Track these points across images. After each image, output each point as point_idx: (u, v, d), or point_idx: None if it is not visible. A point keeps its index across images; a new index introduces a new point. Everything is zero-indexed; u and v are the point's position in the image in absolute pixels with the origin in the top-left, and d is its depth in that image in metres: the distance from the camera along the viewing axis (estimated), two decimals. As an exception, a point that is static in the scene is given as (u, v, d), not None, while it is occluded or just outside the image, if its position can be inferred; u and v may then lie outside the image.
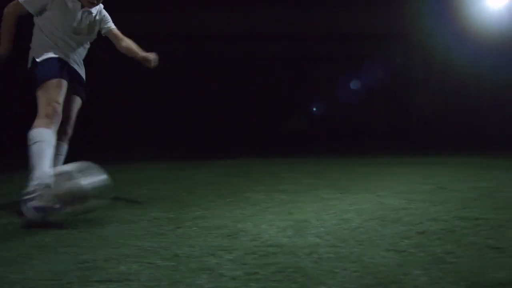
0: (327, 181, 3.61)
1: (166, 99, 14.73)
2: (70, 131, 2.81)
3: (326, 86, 14.60)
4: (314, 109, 16.06)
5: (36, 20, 2.67)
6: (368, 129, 13.70)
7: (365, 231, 2.00)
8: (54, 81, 2.58)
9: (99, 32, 2.83)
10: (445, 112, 10.06)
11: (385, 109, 13.80)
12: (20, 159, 2.90)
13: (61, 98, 2.59)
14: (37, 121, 2.50)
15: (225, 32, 11.46)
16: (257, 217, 2.32)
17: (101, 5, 2.80)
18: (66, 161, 2.64)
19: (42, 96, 2.56)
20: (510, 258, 1.60)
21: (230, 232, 2.01)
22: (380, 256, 1.66)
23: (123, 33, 2.89)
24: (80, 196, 2.13)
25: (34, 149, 2.40)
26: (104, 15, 2.81)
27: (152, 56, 2.83)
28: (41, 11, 2.63)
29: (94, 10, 2.73)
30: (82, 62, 2.85)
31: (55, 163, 2.62)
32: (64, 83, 2.62)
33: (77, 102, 2.84)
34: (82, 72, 2.84)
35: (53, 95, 2.56)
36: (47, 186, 2.18)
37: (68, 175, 2.17)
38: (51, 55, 2.63)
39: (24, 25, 2.74)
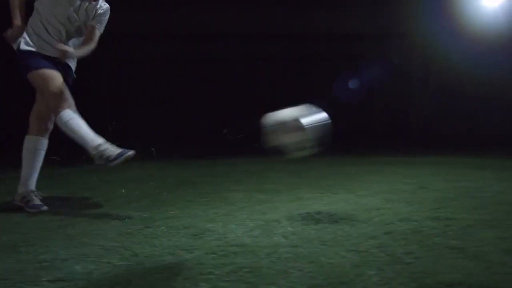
0: (310, 180, 3.60)
1: (166, 99, 14.73)
2: (51, 126, 2.78)
3: (325, 86, 14.58)
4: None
5: (36, 4, 2.67)
6: (367, 129, 13.64)
7: (332, 231, 2.00)
8: (47, 71, 2.61)
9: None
10: (444, 112, 10.01)
11: (384, 109, 13.75)
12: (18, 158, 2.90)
13: (59, 82, 2.63)
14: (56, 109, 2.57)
15: (225, 31, 11.46)
16: (229, 216, 2.32)
17: (106, 6, 2.76)
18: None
19: (39, 85, 2.62)
20: (469, 259, 1.59)
21: (197, 231, 2.02)
22: (339, 256, 1.65)
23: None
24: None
25: (71, 127, 2.53)
26: (101, 14, 2.74)
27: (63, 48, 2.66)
28: None
29: (95, 3, 2.69)
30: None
31: (35, 159, 2.65)
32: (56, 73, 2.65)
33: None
34: (73, 64, 2.80)
35: (49, 82, 2.60)
36: (101, 145, 2.48)
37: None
38: (34, 50, 2.65)
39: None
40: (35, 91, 2.74)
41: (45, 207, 2.54)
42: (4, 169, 3.99)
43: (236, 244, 1.81)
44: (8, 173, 3.80)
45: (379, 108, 14.20)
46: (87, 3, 2.67)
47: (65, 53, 2.63)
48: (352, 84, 14.69)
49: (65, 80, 2.73)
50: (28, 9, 2.75)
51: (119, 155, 2.48)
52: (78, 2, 2.65)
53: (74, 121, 2.59)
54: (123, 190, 3.16)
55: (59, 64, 2.69)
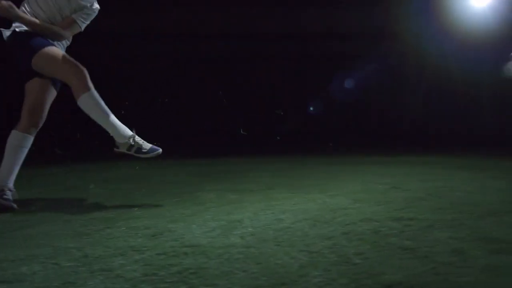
0: (288, 180, 3.60)
1: (166, 99, 14.69)
2: (41, 124, 2.75)
3: (320, 86, 14.58)
4: (311, 108, 16.03)
5: None
6: (361, 129, 13.67)
7: (291, 232, 2.00)
8: (53, 47, 2.58)
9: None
10: (435, 111, 10.02)
11: (378, 109, 13.76)
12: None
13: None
14: (76, 88, 2.53)
15: (225, 31, 11.47)
16: (193, 217, 2.32)
17: (96, 6, 2.73)
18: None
19: (55, 65, 2.55)
20: (417, 260, 1.58)
21: (156, 232, 2.01)
22: (289, 257, 1.65)
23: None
24: None
25: (101, 109, 2.55)
26: (87, 8, 2.69)
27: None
28: None
29: None
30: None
31: (17, 156, 2.63)
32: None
33: (53, 94, 2.77)
34: (62, 46, 2.77)
35: (65, 58, 2.56)
36: (134, 135, 2.62)
37: None
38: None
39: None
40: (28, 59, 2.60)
41: (15, 206, 2.53)
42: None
43: (191, 245, 1.80)
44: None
45: (373, 108, 14.23)
46: None
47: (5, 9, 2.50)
48: (346, 84, 14.70)
49: (53, 80, 2.71)
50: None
51: (152, 149, 2.64)
52: None
53: (103, 105, 2.58)
54: (91, 186, 3.16)
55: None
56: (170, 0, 10.54)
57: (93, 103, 2.56)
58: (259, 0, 10.73)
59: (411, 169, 4.11)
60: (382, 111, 13.24)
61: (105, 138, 2.79)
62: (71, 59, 2.60)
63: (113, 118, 2.62)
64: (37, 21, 2.61)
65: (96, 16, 2.80)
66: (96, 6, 2.75)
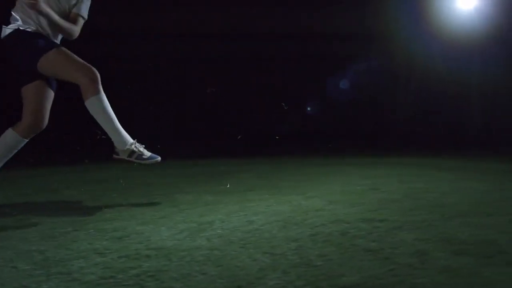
0: (269, 181, 3.58)
1: (166, 98, 14.62)
2: (43, 127, 2.70)
3: (317, 86, 14.57)
4: (309, 108, 16.04)
5: None
6: (351, 130, 13.66)
7: (259, 234, 1.99)
8: (62, 48, 2.56)
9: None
10: (426, 113, 10.04)
11: (368, 110, 13.77)
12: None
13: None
14: (85, 89, 2.51)
15: (225, 31, 11.48)
16: (165, 219, 2.30)
17: None
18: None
19: (64, 66, 2.53)
20: (378, 261, 1.58)
21: (123, 234, 2.00)
22: (251, 259, 1.64)
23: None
24: None
25: (108, 113, 2.55)
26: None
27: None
28: None
29: None
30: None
31: (6, 155, 2.63)
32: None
33: (52, 95, 2.72)
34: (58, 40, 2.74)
35: (75, 58, 2.54)
36: (135, 143, 2.64)
37: None
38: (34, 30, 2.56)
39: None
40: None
41: None
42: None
43: (155, 247, 1.79)
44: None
45: (362, 109, 14.25)
46: None
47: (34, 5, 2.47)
48: (343, 84, 14.68)
49: (49, 82, 2.68)
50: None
51: (152, 157, 2.68)
52: None
53: (110, 110, 2.58)
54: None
55: None
56: (170, 0, 10.55)
57: (101, 106, 2.55)
58: (259, 0, 10.76)
59: (394, 170, 4.11)
60: (372, 112, 13.25)
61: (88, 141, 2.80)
62: (81, 60, 2.58)
63: (117, 124, 2.62)
64: (60, 19, 2.59)
65: (96, 16, 2.83)
66: None
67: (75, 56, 2.59)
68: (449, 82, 8.60)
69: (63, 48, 2.59)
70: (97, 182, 3.74)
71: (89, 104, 2.55)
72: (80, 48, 2.90)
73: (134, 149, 2.65)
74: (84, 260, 1.65)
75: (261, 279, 1.44)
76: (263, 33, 11.65)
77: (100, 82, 2.56)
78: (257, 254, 1.70)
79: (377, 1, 9.41)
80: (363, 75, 13.35)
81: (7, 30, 2.58)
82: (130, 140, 2.66)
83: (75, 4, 2.67)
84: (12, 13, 2.61)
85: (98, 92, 2.53)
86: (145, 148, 2.73)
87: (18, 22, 2.56)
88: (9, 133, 2.63)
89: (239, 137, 8.62)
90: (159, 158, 2.72)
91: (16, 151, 2.66)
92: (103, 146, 3.78)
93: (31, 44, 2.54)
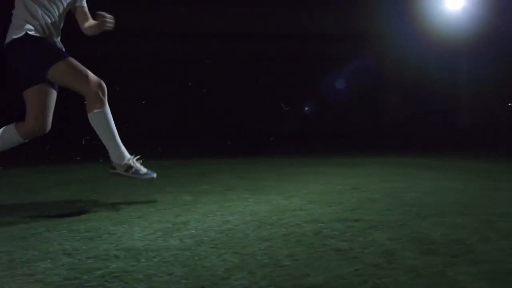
0: (250, 181, 3.58)
1: (165, 99, 14.58)
2: (48, 129, 2.70)
3: (313, 87, 14.58)
4: (306, 108, 16.06)
5: None
6: (344, 130, 13.72)
7: (232, 234, 1.98)
8: (71, 58, 2.58)
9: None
10: (414, 112, 10.10)
11: (359, 110, 13.85)
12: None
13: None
14: (91, 101, 2.55)
15: (225, 31, 11.50)
16: (140, 219, 2.29)
17: None
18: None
19: (74, 77, 2.55)
20: (346, 261, 1.58)
21: (95, 235, 1.98)
22: (220, 259, 1.64)
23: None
24: None
25: (110, 127, 2.59)
26: None
27: (105, 14, 2.68)
28: None
29: None
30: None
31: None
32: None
33: (55, 96, 2.72)
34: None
35: (84, 69, 2.57)
36: (132, 158, 2.69)
37: None
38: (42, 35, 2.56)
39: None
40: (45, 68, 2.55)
41: None
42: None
43: (125, 248, 1.78)
44: None
45: (354, 109, 14.31)
46: None
47: (107, 18, 2.63)
48: (338, 84, 14.72)
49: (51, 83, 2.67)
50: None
51: (148, 173, 2.73)
52: None
53: (112, 124, 2.60)
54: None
55: None
56: (170, 0, 10.55)
57: (104, 120, 2.58)
58: (259, 0, 10.80)
59: (377, 170, 4.13)
60: (362, 112, 13.31)
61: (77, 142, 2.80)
62: (89, 71, 2.61)
63: (117, 138, 2.64)
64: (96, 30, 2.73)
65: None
66: None
67: (83, 67, 2.61)
68: (438, 82, 8.66)
69: (72, 59, 2.60)
70: (80, 182, 3.73)
71: (92, 116, 2.58)
72: (80, 48, 2.90)
73: (132, 164, 2.67)
74: (51, 261, 1.63)
75: (226, 279, 1.44)
76: (263, 33, 11.67)
77: (106, 96, 2.60)
78: (227, 254, 1.69)
79: (373, 2, 9.45)
80: (358, 75, 13.40)
81: (15, 34, 2.54)
82: (128, 155, 2.69)
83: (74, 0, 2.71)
84: (15, 14, 2.59)
85: (103, 105, 2.57)
86: (141, 163, 2.76)
87: (26, 26, 2.53)
88: (10, 131, 2.64)
89: (271, 139, 8.59)
90: (154, 175, 2.76)
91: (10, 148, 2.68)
92: (90, 146, 3.79)
93: (42, 51, 2.55)
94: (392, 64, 10.18)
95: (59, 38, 2.71)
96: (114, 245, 1.83)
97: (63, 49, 2.68)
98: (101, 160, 4.20)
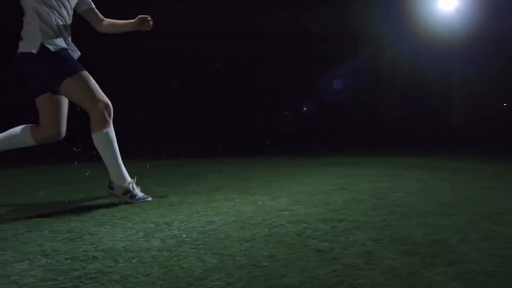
0: (239, 182, 3.57)
1: (165, 99, 14.53)
2: (63, 134, 2.72)
3: (311, 87, 14.57)
4: (305, 108, 16.04)
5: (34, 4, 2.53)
6: (338, 130, 13.71)
7: (215, 234, 1.97)
8: (86, 72, 2.59)
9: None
10: (412, 113, 10.11)
11: (353, 110, 13.83)
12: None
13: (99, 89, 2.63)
14: (97, 122, 2.56)
15: (224, 30, 11.50)
16: (123, 220, 2.28)
17: None
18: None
19: (84, 94, 2.57)
20: (324, 262, 1.57)
21: (76, 236, 1.97)
22: (198, 260, 1.63)
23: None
24: None
25: (112, 149, 2.61)
26: None
27: (145, 16, 2.79)
28: None
29: None
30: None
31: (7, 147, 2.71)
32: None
33: (67, 102, 2.73)
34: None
35: (94, 87, 2.59)
36: (132, 182, 2.70)
37: None
38: (63, 44, 2.58)
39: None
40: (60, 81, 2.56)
41: None
42: None
43: (104, 249, 1.77)
44: None
45: (348, 109, 14.30)
46: None
47: (148, 19, 2.82)
48: (335, 84, 14.71)
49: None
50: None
51: (143, 197, 2.73)
52: None
53: (116, 145, 2.61)
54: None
55: None
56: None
57: (108, 141, 2.60)
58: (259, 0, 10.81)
59: (366, 170, 4.13)
60: (357, 112, 13.30)
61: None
62: (100, 90, 2.62)
63: (119, 159, 2.66)
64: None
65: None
66: None
67: (95, 85, 2.62)
68: (431, 81, 8.68)
69: (86, 74, 2.61)
70: (68, 183, 3.70)
71: (97, 137, 2.59)
72: (80, 48, 2.89)
73: (131, 188, 2.69)
74: (29, 262, 1.62)
75: (202, 280, 1.43)
76: (263, 33, 11.67)
77: (111, 117, 2.61)
78: (206, 255, 1.69)
79: (367, 1, 9.45)
80: (352, 75, 13.38)
81: (31, 47, 2.52)
82: (129, 178, 2.70)
83: (79, 1, 2.74)
84: (26, 21, 2.57)
85: (107, 126, 2.59)
86: (139, 188, 2.78)
87: (41, 36, 2.52)
88: (25, 133, 2.66)
89: (267, 142, 8.59)
90: (150, 199, 2.77)
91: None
92: (79, 146, 3.77)
93: (57, 65, 2.56)
94: (386, 64, 10.20)
95: (69, 38, 2.71)
96: (94, 246, 1.82)
97: (77, 59, 2.68)
98: (87, 174, 4.21)
